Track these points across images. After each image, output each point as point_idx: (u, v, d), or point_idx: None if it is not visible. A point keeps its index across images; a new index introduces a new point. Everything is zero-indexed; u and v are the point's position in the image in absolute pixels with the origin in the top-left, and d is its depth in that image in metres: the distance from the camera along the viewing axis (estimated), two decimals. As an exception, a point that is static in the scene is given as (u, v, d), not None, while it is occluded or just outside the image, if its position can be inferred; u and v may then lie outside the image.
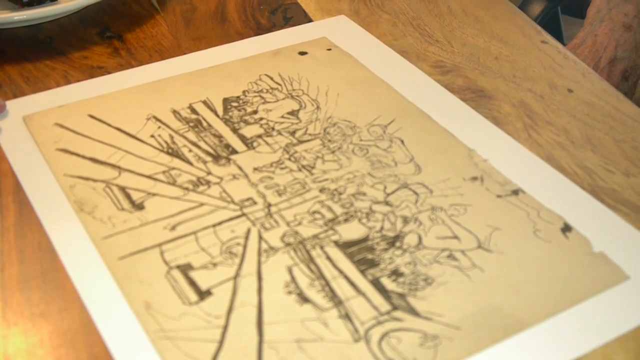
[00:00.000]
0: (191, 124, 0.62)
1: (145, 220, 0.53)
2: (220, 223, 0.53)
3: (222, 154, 0.59)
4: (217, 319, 0.46)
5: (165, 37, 0.73)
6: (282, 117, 0.63)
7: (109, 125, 0.61)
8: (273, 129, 0.62)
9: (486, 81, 0.68)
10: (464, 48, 0.73)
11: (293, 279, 0.49)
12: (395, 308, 0.47)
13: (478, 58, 0.71)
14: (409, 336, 0.46)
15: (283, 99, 0.65)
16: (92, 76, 0.67)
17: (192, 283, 0.48)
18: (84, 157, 0.58)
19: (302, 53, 0.71)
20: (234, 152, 0.59)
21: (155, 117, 0.62)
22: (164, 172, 0.57)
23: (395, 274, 0.49)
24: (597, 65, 0.87)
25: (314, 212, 0.54)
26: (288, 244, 0.51)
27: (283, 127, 0.62)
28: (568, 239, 0.52)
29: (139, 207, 0.54)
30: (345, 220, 0.53)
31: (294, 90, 0.66)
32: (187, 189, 0.56)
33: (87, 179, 0.56)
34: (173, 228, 0.52)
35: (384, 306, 0.47)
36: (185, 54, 0.71)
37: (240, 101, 0.64)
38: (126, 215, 0.53)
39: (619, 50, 0.86)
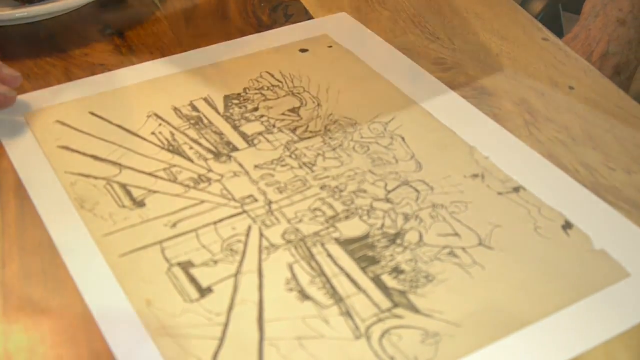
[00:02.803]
0: (192, 121, 0.62)
1: (146, 217, 0.53)
2: (221, 220, 0.53)
3: (223, 151, 0.59)
4: (217, 316, 0.46)
5: (166, 34, 0.73)
6: (283, 114, 0.63)
7: (110, 122, 0.61)
8: (274, 126, 0.62)
9: (487, 78, 0.68)
10: (465, 45, 0.73)
11: (294, 276, 0.49)
12: (395, 305, 0.47)
13: (479, 55, 0.71)
14: (410, 333, 0.46)
15: (284, 96, 0.65)
16: (93, 73, 0.67)
17: (193, 280, 0.48)
18: (84, 154, 0.58)
19: (303, 50, 0.71)
20: (235, 149, 0.59)
21: (156, 115, 0.62)
22: (164, 169, 0.57)
23: (396, 271, 0.49)
24: (589, 58, 0.86)
25: (315, 209, 0.54)
26: (289, 241, 0.51)
27: (284, 124, 0.62)
28: (569, 236, 0.52)
29: (140, 204, 0.54)
30: (346, 218, 0.53)
31: (294, 87, 0.66)
32: (187, 186, 0.56)
33: (88, 176, 0.56)
34: (174, 225, 0.52)
35: (385, 303, 0.47)
36: (186, 51, 0.71)
37: (241, 98, 0.64)
38: (127, 213, 0.53)
39: (612, 45, 0.86)
